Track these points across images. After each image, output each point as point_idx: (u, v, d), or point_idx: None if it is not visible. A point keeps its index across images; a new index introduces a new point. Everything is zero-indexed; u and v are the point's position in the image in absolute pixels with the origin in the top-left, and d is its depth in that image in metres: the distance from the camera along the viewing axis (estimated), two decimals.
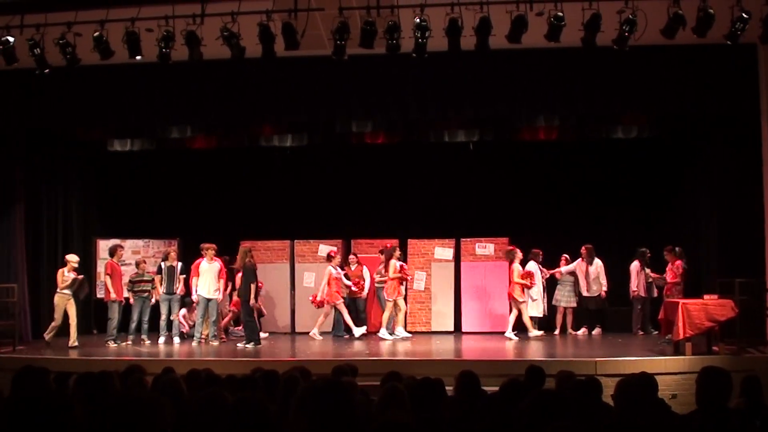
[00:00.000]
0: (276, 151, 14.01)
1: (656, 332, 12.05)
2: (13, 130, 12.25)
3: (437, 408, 4.29)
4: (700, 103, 10.99)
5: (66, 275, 11.93)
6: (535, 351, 11.30)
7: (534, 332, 12.48)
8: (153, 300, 12.56)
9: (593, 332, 13.10)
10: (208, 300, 12.18)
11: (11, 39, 9.31)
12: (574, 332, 13.23)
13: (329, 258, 13.02)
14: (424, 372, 5.60)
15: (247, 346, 11.72)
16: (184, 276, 12.59)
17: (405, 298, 13.17)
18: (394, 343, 12.28)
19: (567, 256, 13.36)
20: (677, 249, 12.29)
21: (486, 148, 13.64)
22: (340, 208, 14.62)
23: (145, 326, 12.43)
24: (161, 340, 12.41)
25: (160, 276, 12.60)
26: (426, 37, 9.04)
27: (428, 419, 3.97)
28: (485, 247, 13.78)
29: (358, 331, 12.83)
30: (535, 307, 13.15)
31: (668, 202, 13.89)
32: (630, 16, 8.67)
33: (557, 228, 13.98)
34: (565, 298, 13.36)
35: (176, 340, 12.49)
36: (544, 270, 13.31)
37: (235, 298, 12.93)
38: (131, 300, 12.39)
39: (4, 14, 9.30)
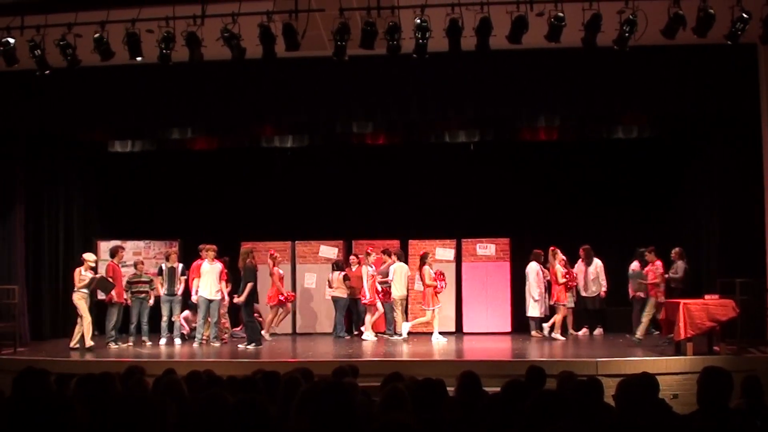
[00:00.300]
0: (277, 152, 14.02)
1: (657, 332, 12.06)
2: (13, 131, 12.25)
3: (438, 408, 4.29)
4: (700, 103, 11.00)
5: (83, 274, 11.87)
6: (536, 351, 11.31)
7: (557, 336, 12.50)
8: (151, 301, 12.57)
9: (594, 332, 13.09)
10: (210, 301, 12.17)
11: (12, 40, 9.31)
12: (575, 332, 13.22)
13: (365, 256, 13.05)
14: (426, 373, 5.61)
15: (248, 347, 11.72)
16: (185, 277, 12.59)
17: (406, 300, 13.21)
18: (396, 343, 12.29)
19: (564, 257, 13.33)
20: (677, 249, 12.29)
21: (486, 148, 13.64)
22: (340, 208, 14.63)
23: (146, 327, 12.43)
24: (162, 341, 12.41)
25: (160, 277, 12.60)
26: (426, 38, 9.04)
27: (429, 420, 3.98)
28: (486, 248, 13.78)
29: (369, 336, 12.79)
30: (536, 307, 13.16)
31: (668, 203, 13.89)
32: (630, 17, 8.67)
33: (558, 228, 13.96)
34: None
35: (177, 341, 12.49)
36: (545, 271, 13.30)
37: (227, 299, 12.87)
38: (129, 301, 12.40)
39: (5, 15, 9.30)
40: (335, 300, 13.34)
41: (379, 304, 12.87)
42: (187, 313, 13.13)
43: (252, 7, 8.98)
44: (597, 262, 13.01)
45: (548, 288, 13.26)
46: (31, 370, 4.64)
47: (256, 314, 12.56)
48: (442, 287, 12.57)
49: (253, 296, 12.21)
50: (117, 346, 11.93)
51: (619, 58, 9.60)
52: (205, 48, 9.21)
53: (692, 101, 10.98)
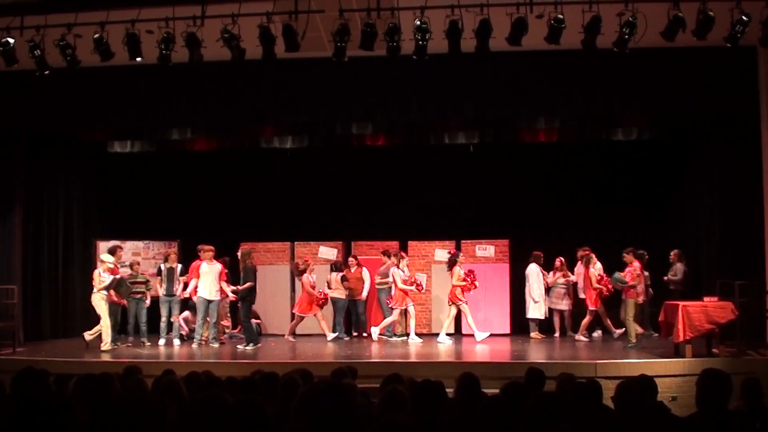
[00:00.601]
0: (276, 153, 14.02)
1: (656, 334, 12.05)
2: (13, 131, 12.24)
3: (437, 410, 4.29)
4: (700, 105, 11.00)
5: (102, 275, 11.85)
6: (535, 353, 11.30)
7: (617, 332, 12.53)
8: (147, 301, 12.56)
9: (593, 334, 13.09)
10: (209, 302, 12.17)
11: (11, 40, 9.30)
12: (574, 335, 13.22)
13: (396, 257, 12.95)
14: (425, 374, 5.61)
15: (246, 348, 11.72)
16: (184, 278, 12.59)
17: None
18: (394, 345, 12.29)
19: (562, 258, 13.34)
20: (676, 251, 12.28)
21: (486, 149, 13.64)
22: (340, 209, 14.62)
23: (144, 328, 12.42)
24: (161, 342, 12.40)
25: (159, 278, 12.60)
26: (426, 39, 9.04)
27: (429, 421, 3.98)
28: (485, 249, 13.78)
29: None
30: (537, 309, 13.16)
31: (668, 204, 13.89)
32: (630, 19, 8.67)
33: (558, 229, 13.97)
34: (558, 301, 13.37)
35: (176, 342, 12.48)
36: (546, 273, 13.32)
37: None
38: (125, 302, 12.40)
39: (5, 16, 9.29)
40: (334, 301, 13.34)
41: (411, 307, 12.77)
42: (186, 313, 13.14)
43: (252, 8, 8.98)
44: (597, 265, 12.99)
45: (547, 290, 13.29)
46: (30, 370, 4.65)
47: (254, 318, 12.57)
48: (475, 285, 12.57)
49: (252, 296, 12.22)
50: (116, 347, 11.92)
51: (619, 60, 9.61)
52: (205, 49, 9.21)
53: (692, 102, 10.98)
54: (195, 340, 12.31)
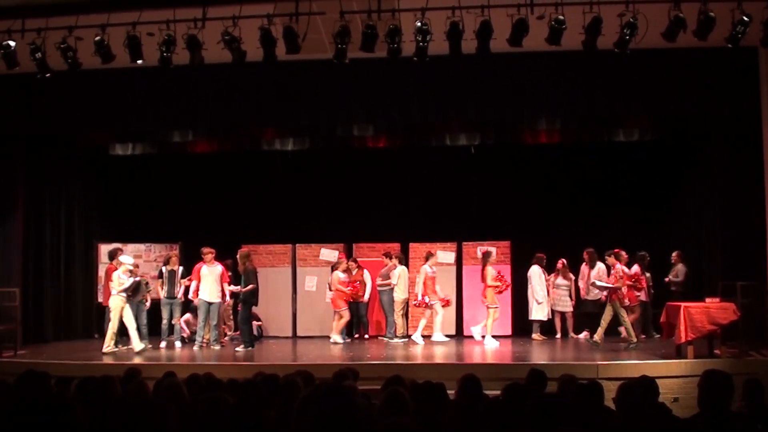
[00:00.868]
0: (277, 155, 14.01)
1: (658, 336, 12.03)
2: (14, 134, 12.24)
3: (439, 411, 4.28)
4: (701, 105, 10.99)
5: (122, 277, 11.82)
6: (537, 354, 11.29)
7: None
8: (147, 304, 12.55)
9: (580, 336, 13.08)
10: (210, 304, 12.17)
11: (12, 43, 9.31)
12: (575, 336, 13.22)
13: (427, 257, 12.86)
14: (426, 375, 5.61)
15: (240, 349, 11.73)
16: (185, 280, 12.58)
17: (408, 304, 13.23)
18: (396, 347, 12.28)
19: (564, 260, 13.33)
20: (677, 252, 12.25)
21: (487, 151, 13.62)
22: (341, 211, 14.62)
23: (145, 330, 12.41)
24: (162, 344, 12.40)
25: (161, 280, 12.60)
26: (427, 41, 9.04)
27: (430, 423, 3.97)
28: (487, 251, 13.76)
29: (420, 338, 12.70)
30: (540, 310, 13.14)
31: (670, 204, 13.88)
32: (631, 20, 8.67)
33: (559, 231, 13.96)
34: (560, 303, 13.35)
35: (177, 344, 12.48)
36: (547, 274, 13.30)
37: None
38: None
39: (6, 18, 9.31)
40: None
41: (437, 306, 12.71)
42: (187, 316, 13.14)
43: (252, 10, 8.98)
44: (600, 266, 12.96)
45: (550, 291, 13.29)
46: (32, 372, 4.65)
47: (255, 320, 12.57)
48: (507, 287, 12.57)
49: (253, 298, 12.22)
50: (117, 349, 11.92)
51: (620, 61, 9.61)
52: (206, 51, 9.21)
53: (693, 103, 10.97)
54: (196, 342, 12.31)
